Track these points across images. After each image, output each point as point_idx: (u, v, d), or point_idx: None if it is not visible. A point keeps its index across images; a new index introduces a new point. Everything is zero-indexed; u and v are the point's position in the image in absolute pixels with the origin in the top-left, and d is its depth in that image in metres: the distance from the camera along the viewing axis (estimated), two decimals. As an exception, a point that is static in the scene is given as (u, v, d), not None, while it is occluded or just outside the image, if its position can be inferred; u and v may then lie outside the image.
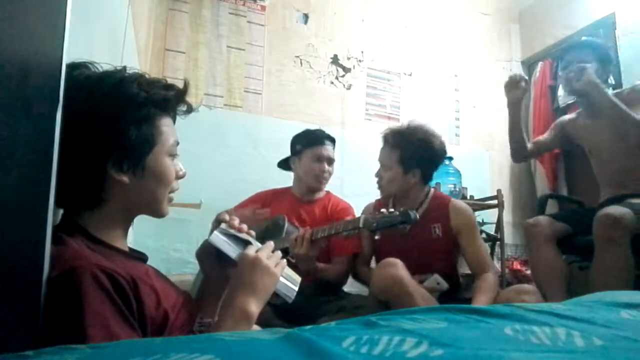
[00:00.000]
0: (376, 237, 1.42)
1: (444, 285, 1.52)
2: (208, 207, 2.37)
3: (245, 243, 0.84)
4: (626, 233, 1.47)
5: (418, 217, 1.35)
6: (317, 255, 1.52)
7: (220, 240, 0.82)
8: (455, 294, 1.61)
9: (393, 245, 1.59)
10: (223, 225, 0.86)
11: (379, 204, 1.76)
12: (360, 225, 1.40)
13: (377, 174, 1.76)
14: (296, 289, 0.86)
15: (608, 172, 1.86)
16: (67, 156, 0.62)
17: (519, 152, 2.06)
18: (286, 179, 2.02)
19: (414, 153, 1.63)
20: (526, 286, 1.49)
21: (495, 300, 1.42)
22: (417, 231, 1.59)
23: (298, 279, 0.89)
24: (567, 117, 2.13)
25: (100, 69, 0.73)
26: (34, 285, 0.54)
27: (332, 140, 1.97)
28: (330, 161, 1.92)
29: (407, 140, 1.65)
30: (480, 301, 1.42)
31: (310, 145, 1.91)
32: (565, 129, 2.07)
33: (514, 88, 1.91)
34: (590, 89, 1.76)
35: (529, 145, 2.08)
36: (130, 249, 0.77)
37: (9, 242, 0.48)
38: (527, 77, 1.95)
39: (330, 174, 1.93)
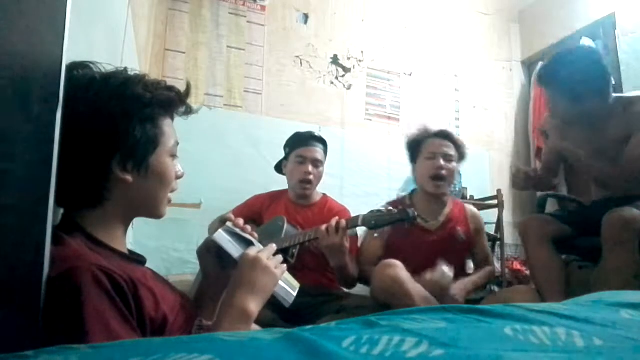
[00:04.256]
0: (375, 235, 1.45)
1: (450, 276, 1.50)
2: (208, 207, 2.37)
3: (248, 243, 0.84)
4: (635, 235, 1.47)
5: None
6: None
7: (223, 239, 0.82)
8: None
9: (412, 246, 1.63)
10: (228, 224, 0.86)
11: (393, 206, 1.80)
12: (359, 223, 1.42)
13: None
14: (294, 294, 0.87)
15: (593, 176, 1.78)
16: (72, 155, 0.63)
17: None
18: (285, 179, 2.02)
19: None
20: (521, 286, 1.55)
21: (494, 301, 1.45)
22: (443, 233, 1.71)
23: (297, 285, 0.90)
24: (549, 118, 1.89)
25: (102, 69, 0.73)
26: (34, 285, 0.54)
27: (321, 142, 1.89)
28: (316, 163, 1.83)
29: None
30: (475, 276, 1.68)
31: (294, 147, 1.87)
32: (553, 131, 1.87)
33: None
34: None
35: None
36: (129, 251, 0.77)
37: (9, 242, 0.48)
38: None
39: (316, 176, 1.83)
